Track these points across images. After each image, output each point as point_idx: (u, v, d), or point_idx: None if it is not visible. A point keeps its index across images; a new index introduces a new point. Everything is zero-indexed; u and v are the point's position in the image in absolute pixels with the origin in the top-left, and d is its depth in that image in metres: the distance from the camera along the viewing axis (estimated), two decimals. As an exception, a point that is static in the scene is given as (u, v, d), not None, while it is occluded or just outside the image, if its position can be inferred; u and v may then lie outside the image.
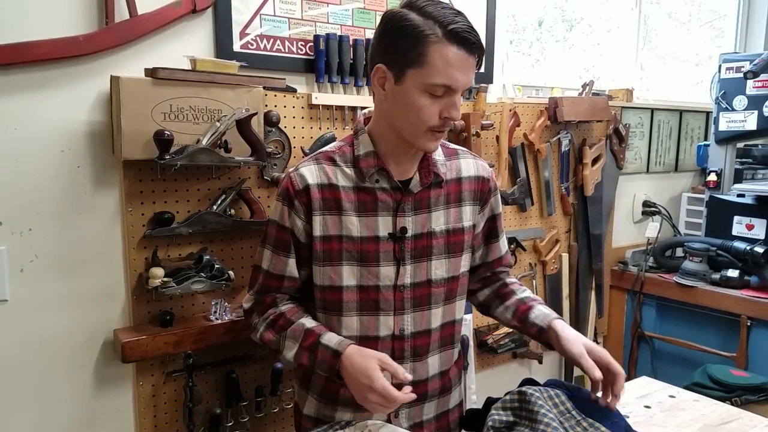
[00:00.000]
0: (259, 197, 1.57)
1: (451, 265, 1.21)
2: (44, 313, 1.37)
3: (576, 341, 1.12)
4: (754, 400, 1.75)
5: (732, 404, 1.60)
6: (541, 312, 1.22)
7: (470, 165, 1.25)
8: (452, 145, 1.28)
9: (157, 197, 1.45)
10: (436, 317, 1.21)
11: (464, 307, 1.29)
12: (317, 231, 1.14)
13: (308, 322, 1.16)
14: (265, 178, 1.59)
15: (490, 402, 1.21)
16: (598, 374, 1.07)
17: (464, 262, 1.24)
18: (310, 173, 1.15)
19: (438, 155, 1.21)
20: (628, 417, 1.20)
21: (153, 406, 1.50)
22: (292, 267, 1.20)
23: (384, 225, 1.15)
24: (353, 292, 1.16)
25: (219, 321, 1.48)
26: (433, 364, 1.22)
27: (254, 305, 1.24)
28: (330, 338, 1.11)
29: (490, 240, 1.32)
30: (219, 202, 1.48)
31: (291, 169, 1.18)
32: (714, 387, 1.83)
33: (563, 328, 1.16)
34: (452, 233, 1.21)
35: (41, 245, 1.35)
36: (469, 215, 1.23)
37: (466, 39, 1.03)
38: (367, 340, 1.16)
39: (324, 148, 1.21)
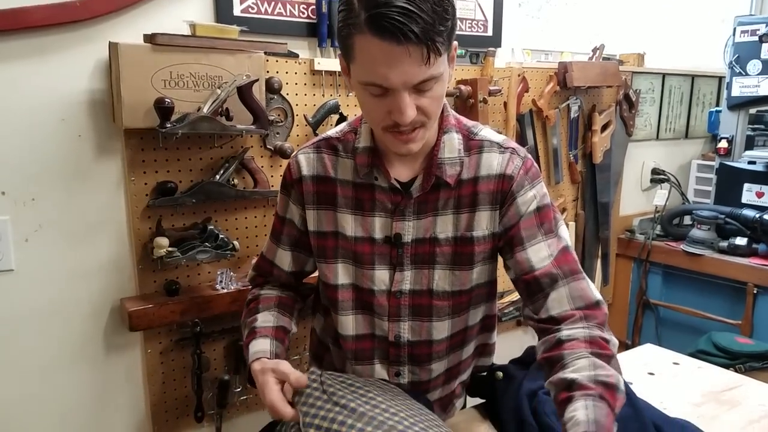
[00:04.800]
0: (262, 167, 1.55)
1: (456, 278, 1.05)
2: (51, 282, 1.38)
3: None
4: (758, 367, 1.75)
5: (736, 371, 1.60)
6: (574, 416, 0.82)
7: (493, 161, 1.02)
8: (481, 135, 1.04)
9: (160, 166, 1.44)
10: (441, 330, 1.08)
11: (485, 309, 1.14)
12: (312, 226, 1.08)
13: (261, 319, 1.08)
14: (268, 147, 1.57)
15: (494, 369, 1.22)
16: None
17: (478, 275, 1.06)
18: (307, 162, 1.06)
19: (450, 152, 1.01)
20: (631, 384, 1.20)
21: (161, 372, 1.52)
22: (280, 257, 1.14)
23: (380, 227, 1.04)
24: (348, 291, 1.08)
25: (225, 290, 1.49)
26: (438, 368, 1.11)
27: (250, 280, 1.23)
28: (255, 344, 1.03)
29: (513, 249, 1.03)
30: (221, 171, 1.47)
31: (294, 153, 1.12)
32: (718, 354, 1.83)
33: None
34: (459, 242, 1.03)
35: (45, 215, 1.35)
36: (484, 223, 1.03)
37: (385, 27, 0.80)
38: (363, 339, 1.09)
39: (330, 132, 1.10)
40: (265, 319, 1.09)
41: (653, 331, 2.64)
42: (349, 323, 1.09)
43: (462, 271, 1.05)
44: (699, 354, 1.83)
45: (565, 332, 0.94)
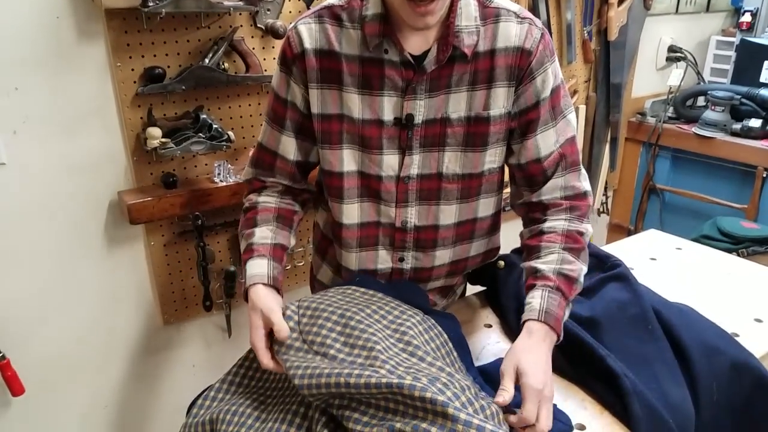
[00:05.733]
0: (253, 48, 1.46)
1: (468, 160, 1.01)
2: (45, 175, 1.35)
3: (512, 357, 0.87)
4: (762, 251, 1.76)
5: (738, 256, 1.61)
6: (530, 303, 0.93)
7: (511, 32, 0.95)
8: (496, 2, 0.97)
9: (146, 50, 1.35)
10: (448, 215, 1.06)
11: (496, 203, 1.10)
12: (315, 108, 1.00)
13: (258, 234, 1.03)
14: (258, 26, 1.46)
15: (497, 258, 1.22)
16: (499, 398, 0.83)
17: (490, 158, 1.02)
18: (309, 34, 0.97)
19: (467, 19, 0.94)
20: (633, 269, 1.20)
21: (167, 264, 1.54)
22: (285, 145, 1.06)
23: (389, 107, 0.98)
24: (354, 178, 1.03)
25: (224, 183, 1.46)
26: (442, 256, 1.09)
27: (246, 181, 1.13)
28: (252, 265, 1.00)
29: (525, 134, 1.01)
30: (210, 55, 1.38)
31: (291, 25, 1.01)
32: (722, 239, 1.84)
33: (522, 336, 0.90)
34: (473, 122, 0.98)
35: (31, 105, 1.29)
36: (501, 100, 0.98)
37: None
38: (368, 226, 1.06)
39: (331, 0, 1.00)
40: (263, 235, 1.04)
41: (657, 216, 2.64)
42: (354, 211, 1.06)
43: (474, 153, 1.01)
44: (703, 239, 1.83)
45: (548, 224, 1.01)
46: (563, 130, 1.02)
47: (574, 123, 1.04)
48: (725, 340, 1.02)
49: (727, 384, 0.95)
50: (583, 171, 1.05)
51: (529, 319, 0.91)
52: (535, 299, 0.92)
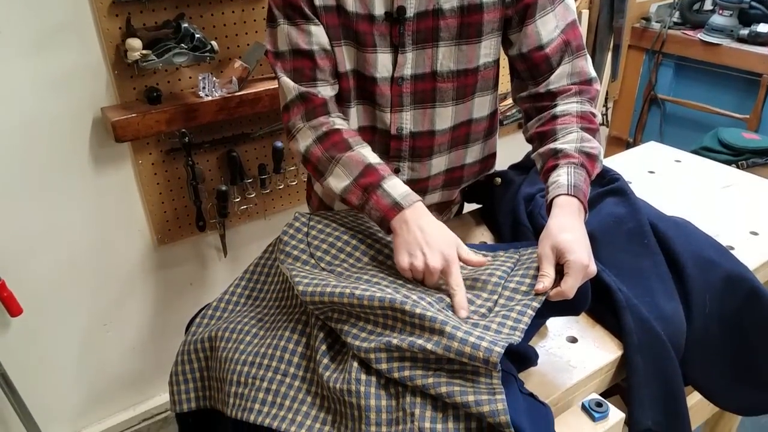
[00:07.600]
0: (235, -50, 1.35)
1: (463, 54, 0.98)
2: (23, 92, 1.29)
3: (548, 238, 0.82)
4: (761, 163, 1.74)
5: (738, 167, 1.59)
6: (557, 180, 0.88)
7: None
8: None
9: (118, -47, 1.25)
10: (444, 118, 1.03)
11: (491, 102, 1.07)
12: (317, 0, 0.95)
13: (369, 155, 0.94)
14: (240, -76, 1.35)
15: (494, 175, 1.20)
16: (539, 285, 0.79)
17: (485, 50, 0.99)
18: None
19: None
20: (631, 183, 1.18)
21: (157, 183, 1.51)
22: (319, 35, 0.95)
23: (380, 0, 0.94)
24: (351, 79, 1.00)
25: (209, 98, 1.40)
26: (438, 164, 1.08)
27: (295, 100, 0.97)
28: (395, 185, 0.90)
29: (524, 20, 0.97)
30: (189, -43, 1.28)
31: None
32: (722, 151, 1.81)
33: (555, 214, 0.85)
34: (467, 12, 0.95)
35: (2, 18, 1.21)
36: None
37: None
38: (364, 132, 1.04)
39: None
40: (374, 157, 0.94)
41: (657, 128, 2.60)
42: (352, 115, 1.04)
43: (469, 45, 0.98)
44: (703, 151, 1.81)
45: (560, 107, 0.97)
46: (562, 15, 0.97)
47: (573, 7, 0.99)
48: (720, 253, 1.02)
49: (720, 296, 0.96)
50: (588, 56, 1.01)
51: (558, 195, 0.86)
52: (561, 176, 0.88)
